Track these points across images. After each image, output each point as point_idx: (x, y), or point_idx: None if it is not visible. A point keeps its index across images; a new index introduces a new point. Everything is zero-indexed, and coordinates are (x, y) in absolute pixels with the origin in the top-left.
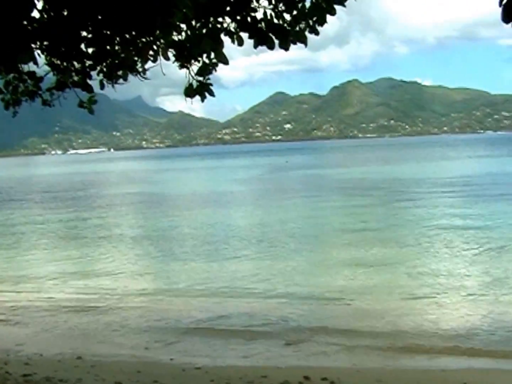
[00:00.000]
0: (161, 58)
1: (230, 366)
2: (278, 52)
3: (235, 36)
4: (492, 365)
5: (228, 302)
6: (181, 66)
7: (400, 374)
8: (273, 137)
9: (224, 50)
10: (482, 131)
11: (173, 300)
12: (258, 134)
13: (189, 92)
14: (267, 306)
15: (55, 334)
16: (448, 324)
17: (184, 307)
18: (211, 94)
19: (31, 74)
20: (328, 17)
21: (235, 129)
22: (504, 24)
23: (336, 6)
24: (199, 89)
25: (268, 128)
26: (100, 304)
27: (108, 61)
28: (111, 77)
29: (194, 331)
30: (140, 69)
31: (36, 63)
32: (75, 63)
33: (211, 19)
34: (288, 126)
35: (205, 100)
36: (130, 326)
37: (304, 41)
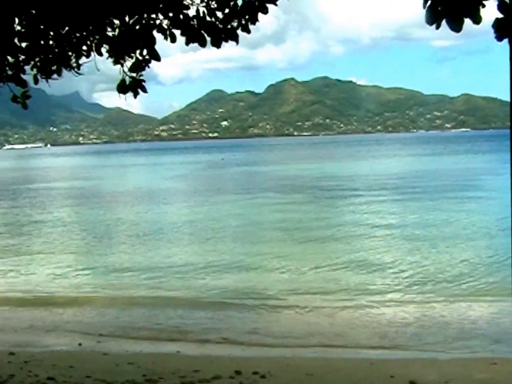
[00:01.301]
0: (95, 54)
1: (163, 360)
2: (216, 50)
3: (167, 33)
4: (417, 355)
5: (163, 304)
6: (115, 62)
7: (330, 368)
8: (210, 134)
9: (162, 47)
10: (415, 130)
11: (108, 299)
12: (194, 131)
13: (122, 88)
14: (200, 308)
15: None
16: (378, 322)
17: (119, 306)
18: (144, 90)
19: None
20: (266, 15)
21: (172, 126)
22: (430, 25)
23: (269, 5)
24: (132, 85)
25: (204, 125)
26: (33, 301)
27: (42, 56)
28: (45, 72)
29: (128, 330)
30: (75, 64)
31: None
32: (8, 57)
33: (145, 15)
34: (224, 123)
35: (143, 97)
36: (64, 323)
37: (235, 39)
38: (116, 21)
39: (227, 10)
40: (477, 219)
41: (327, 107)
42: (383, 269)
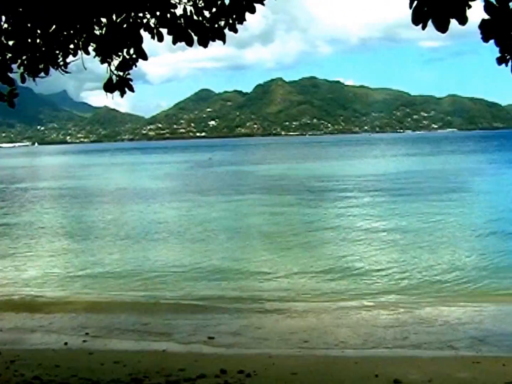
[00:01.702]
0: (82, 52)
1: (148, 360)
2: (204, 49)
3: (154, 32)
4: (401, 355)
5: (149, 305)
6: (102, 61)
7: (314, 367)
8: (197, 134)
9: (150, 46)
10: (401, 130)
11: (94, 300)
12: (182, 130)
13: (109, 87)
14: (186, 310)
15: None
16: (363, 322)
17: (106, 307)
18: (131, 89)
19: None
20: (254, 15)
21: (160, 125)
22: (419, 26)
23: (257, 5)
24: (119, 84)
25: (192, 124)
26: (19, 301)
27: (29, 54)
28: (33, 70)
29: (114, 329)
30: (62, 63)
31: None
32: None
33: (132, 14)
34: (212, 122)
35: (131, 96)
36: (50, 323)
37: (222, 38)
38: (104, 20)
39: (214, 9)
40: (464, 221)
41: (315, 107)
42: (368, 272)
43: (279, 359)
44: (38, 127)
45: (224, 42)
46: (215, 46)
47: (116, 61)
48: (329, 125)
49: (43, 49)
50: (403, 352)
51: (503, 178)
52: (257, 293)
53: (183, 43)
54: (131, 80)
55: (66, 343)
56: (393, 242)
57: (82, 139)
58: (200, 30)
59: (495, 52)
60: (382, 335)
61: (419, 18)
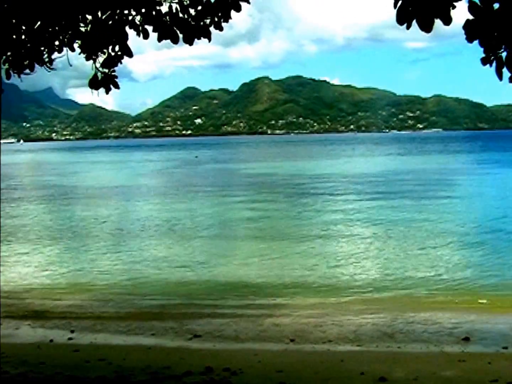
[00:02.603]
0: (67, 49)
1: (134, 357)
2: (190, 47)
3: (140, 29)
4: (386, 353)
5: (135, 303)
6: (88, 58)
7: (300, 365)
8: (184, 132)
9: (136, 44)
10: (387, 130)
11: (78, 297)
12: (168, 128)
13: (94, 83)
14: (172, 307)
15: None
16: (349, 320)
17: (90, 304)
18: (116, 86)
19: None
20: (240, 14)
21: (146, 123)
22: (404, 26)
23: (243, 3)
24: (104, 81)
25: (178, 122)
26: (3, 300)
27: (14, 50)
28: (18, 66)
29: (98, 327)
30: (47, 60)
31: None
32: None
33: (117, 11)
34: (198, 121)
35: (116, 93)
36: (34, 321)
37: (208, 36)
38: (89, 17)
39: (199, 7)
40: (450, 223)
41: (300, 106)
42: (354, 272)
43: (264, 357)
44: (24, 124)
45: (210, 40)
46: (201, 44)
47: (101, 58)
48: (314, 124)
49: (28, 45)
50: (388, 350)
51: (489, 179)
52: (243, 292)
53: (168, 41)
54: (116, 77)
55: (51, 340)
56: (378, 243)
57: (67, 137)
58: (185, 28)
59: (480, 52)
60: (368, 333)
61: (403, 18)
